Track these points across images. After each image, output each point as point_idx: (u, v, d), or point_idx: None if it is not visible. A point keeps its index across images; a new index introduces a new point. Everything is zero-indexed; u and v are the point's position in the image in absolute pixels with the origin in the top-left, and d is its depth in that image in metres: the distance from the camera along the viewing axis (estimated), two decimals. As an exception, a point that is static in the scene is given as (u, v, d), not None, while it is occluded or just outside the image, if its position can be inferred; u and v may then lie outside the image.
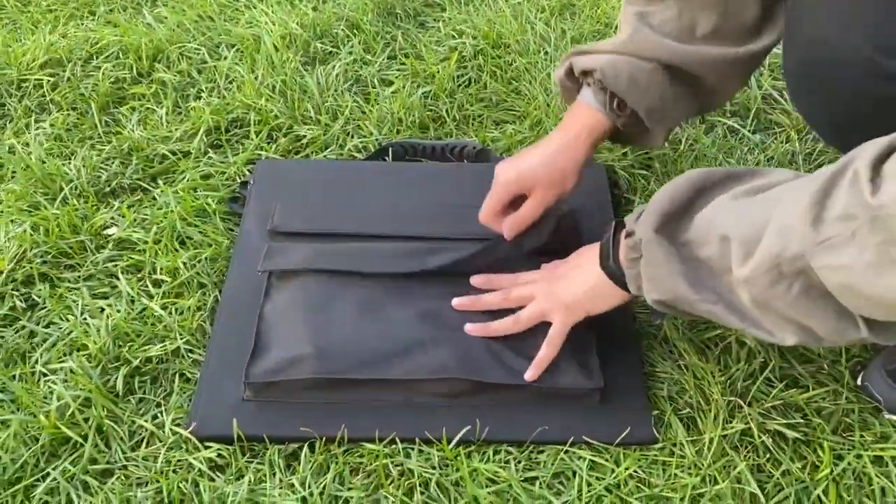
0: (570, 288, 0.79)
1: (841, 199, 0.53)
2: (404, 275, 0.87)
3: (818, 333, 0.60)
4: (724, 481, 0.73)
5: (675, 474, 0.75)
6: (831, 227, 0.53)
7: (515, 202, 0.88)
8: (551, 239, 0.89)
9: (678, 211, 0.67)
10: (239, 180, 1.06)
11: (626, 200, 1.02)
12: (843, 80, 0.68)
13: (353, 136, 1.13)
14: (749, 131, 1.12)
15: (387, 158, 1.08)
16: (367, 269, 0.87)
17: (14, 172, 1.08)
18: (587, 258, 0.79)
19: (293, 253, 0.90)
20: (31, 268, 0.94)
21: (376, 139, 1.12)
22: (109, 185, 1.06)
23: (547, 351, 0.79)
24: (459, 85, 1.22)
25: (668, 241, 0.66)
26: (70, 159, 1.10)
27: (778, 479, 0.74)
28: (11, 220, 1.00)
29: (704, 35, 0.82)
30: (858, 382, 0.82)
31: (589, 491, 0.73)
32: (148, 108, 1.19)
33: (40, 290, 0.92)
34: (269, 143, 1.12)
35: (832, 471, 0.74)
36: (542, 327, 0.81)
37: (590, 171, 1.03)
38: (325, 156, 1.10)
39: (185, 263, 0.93)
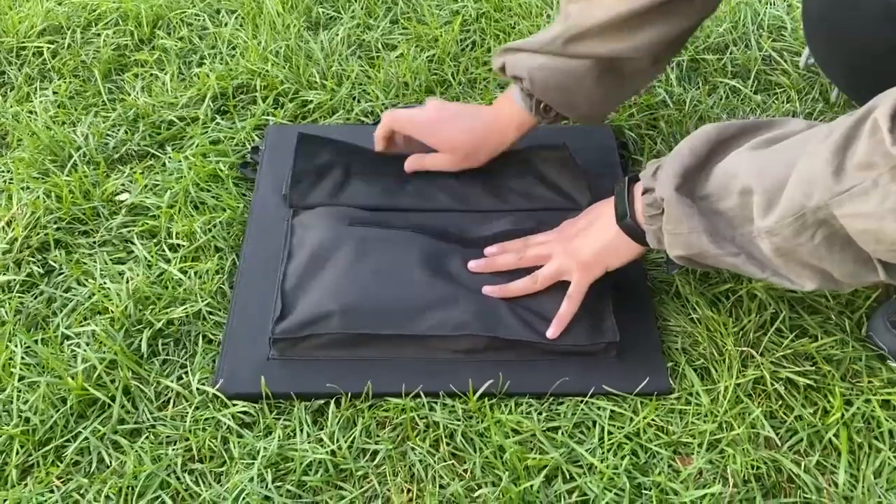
0: (587, 245, 0.81)
1: (862, 149, 0.55)
2: (426, 234, 0.88)
3: (837, 278, 0.62)
4: (739, 427, 0.76)
5: (692, 422, 0.77)
6: (853, 176, 0.55)
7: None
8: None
9: (697, 166, 0.69)
10: (248, 146, 1.06)
11: (634, 161, 1.04)
12: (859, 24, 0.69)
13: (359, 101, 1.13)
14: (751, 91, 1.14)
15: (395, 122, 1.08)
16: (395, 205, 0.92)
17: (20, 140, 1.08)
18: (600, 214, 0.81)
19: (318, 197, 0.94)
20: (46, 234, 0.94)
21: (383, 104, 1.12)
22: (118, 152, 1.06)
23: (568, 307, 0.80)
24: (463, 49, 1.23)
25: (688, 197, 0.68)
26: (76, 126, 1.09)
27: (791, 423, 0.77)
28: (24, 188, 0.99)
29: (643, 16, 0.80)
30: (863, 333, 0.84)
31: (610, 439, 0.75)
32: (152, 75, 1.18)
33: (56, 256, 0.93)
34: (276, 109, 1.12)
35: (843, 415, 0.76)
36: (558, 285, 0.83)
37: (597, 133, 1.05)
38: (332, 121, 1.10)
39: (200, 228, 0.94)
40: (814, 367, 0.81)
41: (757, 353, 0.81)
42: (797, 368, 0.80)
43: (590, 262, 0.80)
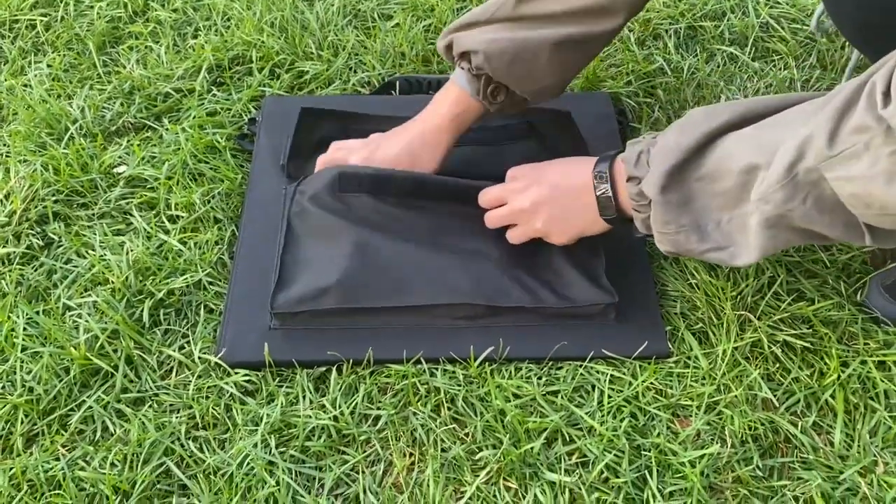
0: (570, 223, 0.79)
1: (858, 113, 0.55)
2: (422, 200, 0.88)
3: (829, 237, 0.62)
4: (737, 389, 0.77)
5: (691, 385, 0.78)
6: (846, 139, 0.55)
7: None
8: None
9: (685, 161, 0.66)
10: (245, 117, 1.06)
11: (633, 129, 1.04)
12: None
13: (356, 71, 1.13)
14: (748, 58, 1.14)
15: (393, 93, 1.08)
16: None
17: (16, 113, 1.07)
18: (581, 192, 0.77)
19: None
20: (45, 207, 0.94)
21: (380, 74, 1.12)
22: (115, 125, 1.06)
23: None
24: (459, 18, 1.22)
25: (676, 192, 0.66)
26: (72, 99, 1.09)
27: (788, 385, 0.78)
28: (21, 161, 0.99)
29: None
30: (858, 299, 0.85)
31: (609, 402, 0.76)
32: (146, 47, 1.17)
33: (55, 228, 0.93)
34: (272, 80, 1.11)
35: (839, 376, 0.77)
36: (556, 250, 0.83)
37: (595, 100, 1.05)
38: (329, 91, 1.10)
39: (199, 199, 0.94)
40: (811, 330, 0.82)
41: (755, 316, 0.82)
42: (794, 331, 0.81)
43: (571, 237, 0.80)
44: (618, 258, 0.85)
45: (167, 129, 1.04)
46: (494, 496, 0.71)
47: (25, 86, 1.11)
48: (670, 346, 0.81)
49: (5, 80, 1.13)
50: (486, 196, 0.84)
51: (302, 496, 0.71)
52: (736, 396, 0.76)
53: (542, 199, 0.79)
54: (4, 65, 1.16)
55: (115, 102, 1.08)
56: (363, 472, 0.73)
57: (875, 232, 0.60)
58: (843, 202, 0.58)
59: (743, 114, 0.65)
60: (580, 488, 0.71)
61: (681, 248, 0.68)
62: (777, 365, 0.80)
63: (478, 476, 0.72)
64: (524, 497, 0.70)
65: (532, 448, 0.73)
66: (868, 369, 0.78)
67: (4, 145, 1.03)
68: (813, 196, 0.59)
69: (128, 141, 1.03)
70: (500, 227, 0.85)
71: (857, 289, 0.86)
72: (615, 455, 0.72)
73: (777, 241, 0.63)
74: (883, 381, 0.77)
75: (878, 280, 0.84)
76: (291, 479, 0.72)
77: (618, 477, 0.71)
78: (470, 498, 0.71)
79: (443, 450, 0.74)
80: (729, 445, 0.74)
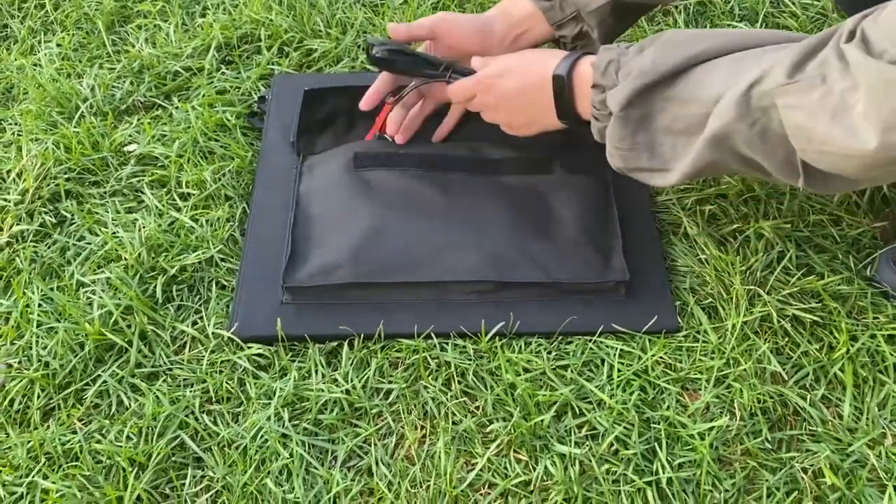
0: (530, 120, 0.81)
1: (824, 51, 0.56)
2: (436, 171, 0.89)
3: (764, 169, 0.63)
4: (746, 363, 0.77)
5: (700, 358, 0.78)
6: (806, 70, 0.56)
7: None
8: None
9: (656, 83, 0.66)
10: (254, 95, 1.06)
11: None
12: None
13: (364, 49, 1.12)
14: (758, 35, 1.13)
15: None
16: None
17: (26, 92, 1.08)
18: (541, 93, 0.77)
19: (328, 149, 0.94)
20: (57, 185, 0.95)
21: (388, 51, 1.11)
22: (125, 103, 1.06)
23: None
24: (468, -5, 1.22)
25: (639, 109, 0.67)
26: (81, 78, 1.09)
27: (797, 359, 0.78)
28: (32, 139, 1.00)
29: None
30: (868, 274, 0.85)
31: (618, 376, 0.77)
32: (155, 26, 1.17)
33: (68, 206, 0.94)
34: (280, 58, 1.11)
35: (848, 350, 0.78)
36: (570, 225, 0.84)
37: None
38: (338, 69, 1.10)
39: (210, 176, 0.94)
40: (820, 305, 0.82)
41: (764, 291, 0.82)
42: (804, 306, 0.81)
43: (531, 132, 0.83)
44: (627, 233, 0.86)
45: (177, 108, 1.04)
46: (505, 468, 0.72)
47: (35, 65, 1.11)
48: (680, 320, 0.81)
49: (15, 59, 1.13)
50: (458, 91, 0.85)
51: (315, 468, 0.72)
52: (745, 370, 0.77)
53: (505, 96, 0.80)
54: (14, 44, 1.17)
55: (124, 81, 1.09)
56: (375, 444, 0.74)
57: (810, 173, 0.61)
58: (787, 133, 0.59)
59: (725, 44, 0.65)
60: (590, 460, 0.71)
61: (630, 165, 0.71)
62: (786, 339, 0.80)
63: (488, 448, 0.72)
64: (534, 469, 0.71)
65: (542, 421, 0.73)
66: (877, 343, 0.79)
67: (16, 124, 1.04)
68: (761, 123, 0.60)
69: (138, 119, 1.04)
70: (513, 200, 0.85)
71: (867, 264, 0.86)
72: (625, 428, 0.73)
73: (714, 162, 0.65)
74: (892, 355, 0.78)
75: (889, 255, 0.84)
76: (305, 451, 0.73)
77: (627, 449, 0.72)
78: (481, 470, 0.71)
79: (454, 423, 0.75)
80: (738, 418, 0.74)
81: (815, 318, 0.80)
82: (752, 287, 0.83)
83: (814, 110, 0.55)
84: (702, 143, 0.63)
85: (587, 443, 0.73)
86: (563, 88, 0.75)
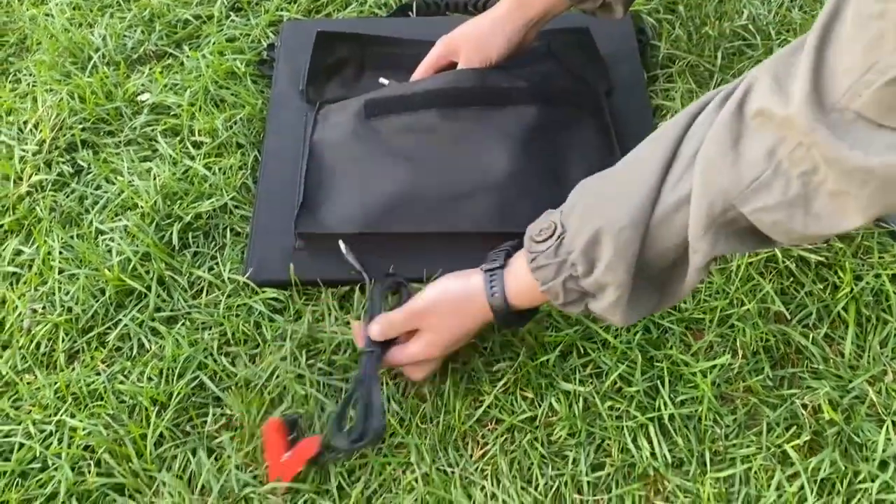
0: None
1: (754, 140, 0.50)
2: (447, 108, 0.89)
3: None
4: (750, 303, 0.78)
5: (704, 299, 0.80)
6: (752, 167, 0.50)
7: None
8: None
9: (634, 262, 0.59)
10: (264, 43, 1.06)
11: (653, 46, 1.03)
12: None
13: (373, -7, 1.12)
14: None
15: (410, 14, 1.08)
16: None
17: (39, 42, 1.09)
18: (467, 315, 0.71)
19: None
20: (73, 135, 0.97)
21: (397, -5, 1.11)
22: (136, 53, 1.07)
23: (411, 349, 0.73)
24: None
25: (636, 299, 0.60)
26: (93, 28, 1.10)
27: (801, 299, 0.79)
28: (47, 90, 1.01)
29: None
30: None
31: (624, 317, 0.78)
32: (164, -27, 1.17)
33: (84, 155, 0.95)
34: (289, 4, 1.11)
35: (852, 289, 0.78)
36: (581, 171, 0.84)
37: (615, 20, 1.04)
38: (346, 14, 1.10)
39: (222, 125, 0.95)
40: (826, 245, 0.82)
41: (770, 232, 0.83)
42: (809, 246, 0.82)
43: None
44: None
45: (188, 56, 1.05)
46: (511, 404, 0.74)
47: (47, 15, 1.12)
48: (685, 262, 0.82)
49: (27, 9, 1.14)
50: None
51: (329, 407, 0.75)
52: (749, 310, 0.78)
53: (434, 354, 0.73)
54: (25, -6, 1.17)
55: (135, 30, 1.09)
56: (387, 383, 0.76)
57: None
58: (765, 232, 0.53)
59: (649, 181, 0.56)
60: (594, 397, 0.74)
61: (640, 315, 0.63)
62: (791, 279, 0.81)
63: (495, 386, 0.75)
64: (539, 405, 0.74)
65: (548, 360, 0.75)
66: (882, 282, 0.79)
67: (30, 75, 1.05)
68: (732, 231, 0.55)
69: (150, 68, 1.05)
70: (522, 144, 0.86)
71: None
72: (628, 366, 0.75)
73: (705, 274, 0.59)
74: (896, 294, 0.79)
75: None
76: (319, 390, 0.75)
77: (630, 386, 0.74)
78: (488, 406, 0.74)
79: (463, 362, 0.77)
80: (740, 356, 0.76)
81: (821, 259, 0.81)
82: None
83: (783, 207, 0.50)
84: (693, 272, 0.58)
85: (591, 381, 0.75)
86: (510, 319, 0.69)
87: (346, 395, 0.73)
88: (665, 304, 0.63)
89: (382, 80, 0.95)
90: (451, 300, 0.71)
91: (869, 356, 0.76)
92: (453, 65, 0.91)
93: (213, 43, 1.06)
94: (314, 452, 0.69)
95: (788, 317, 0.78)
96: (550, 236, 0.62)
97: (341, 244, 0.82)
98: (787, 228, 0.51)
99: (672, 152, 0.56)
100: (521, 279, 0.66)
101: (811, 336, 0.77)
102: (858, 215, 0.47)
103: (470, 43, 0.89)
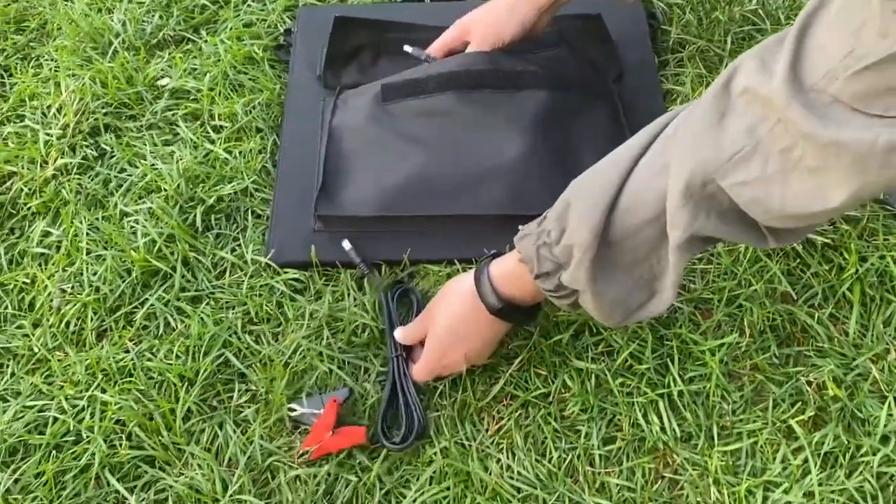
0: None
1: (738, 116, 0.52)
2: (462, 91, 0.90)
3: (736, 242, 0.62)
4: (757, 283, 0.81)
5: (713, 280, 0.82)
6: (734, 142, 0.52)
7: None
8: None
9: (602, 235, 0.61)
10: (280, 28, 1.08)
11: (663, 31, 1.04)
12: None
13: (387, -22, 1.14)
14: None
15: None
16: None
17: (60, 28, 1.11)
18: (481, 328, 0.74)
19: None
20: (96, 119, 0.99)
21: (411, -20, 1.13)
22: (155, 38, 1.09)
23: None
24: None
25: (602, 273, 0.62)
26: (112, 13, 1.12)
27: (807, 280, 0.82)
28: (69, 75, 1.03)
29: None
30: (882, 197, 0.87)
31: (635, 297, 0.81)
32: (180, -41, 1.19)
33: (107, 139, 0.98)
34: (305, -11, 1.13)
35: (857, 270, 0.81)
36: (588, 153, 0.87)
37: (626, 4, 1.05)
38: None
39: (241, 109, 0.98)
40: (832, 227, 0.85)
41: (777, 215, 0.85)
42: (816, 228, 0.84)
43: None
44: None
45: (206, 41, 1.07)
46: (526, 381, 0.77)
47: (66, 0, 1.14)
48: (695, 243, 0.84)
49: (46, -5, 1.16)
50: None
51: (350, 383, 0.78)
52: (756, 290, 0.80)
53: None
54: (44, -21, 1.19)
55: (153, 15, 1.11)
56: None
57: (777, 233, 0.57)
58: (744, 208, 0.54)
59: (627, 157, 0.60)
60: (605, 374, 0.76)
61: (621, 319, 0.65)
62: (797, 261, 0.83)
63: (511, 364, 0.77)
64: (553, 382, 0.76)
65: (561, 339, 0.78)
66: (886, 263, 0.81)
67: (52, 60, 1.07)
68: (714, 210, 0.56)
69: (169, 53, 1.07)
70: (534, 127, 0.88)
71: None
72: (639, 344, 0.77)
73: (687, 260, 0.60)
74: (900, 275, 0.81)
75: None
76: (340, 367, 0.78)
77: (641, 364, 0.77)
78: (504, 384, 0.77)
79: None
80: (748, 335, 0.78)
81: (827, 241, 0.83)
82: (765, 211, 0.85)
83: (761, 182, 0.51)
84: (672, 254, 0.59)
85: (603, 359, 0.78)
86: (505, 311, 0.72)
87: (384, 397, 0.76)
88: (656, 305, 0.64)
89: (407, 48, 0.97)
90: (448, 296, 0.76)
91: (872, 335, 0.78)
92: (467, 47, 0.93)
93: (231, 28, 1.08)
94: (357, 443, 0.73)
95: (795, 297, 0.81)
96: (539, 218, 0.67)
97: (344, 243, 0.84)
98: (766, 206, 0.52)
99: (653, 137, 0.59)
100: (506, 261, 0.71)
101: (816, 315, 0.79)
102: (837, 194, 0.49)
103: (484, 25, 0.92)
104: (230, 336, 0.81)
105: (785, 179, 0.50)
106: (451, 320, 0.75)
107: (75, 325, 0.84)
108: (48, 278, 0.86)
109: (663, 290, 0.63)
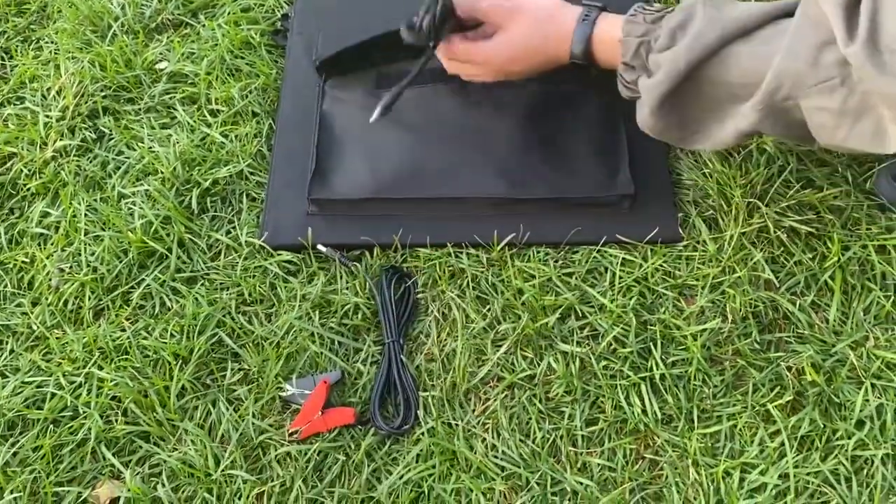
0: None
1: (836, 47, 0.56)
2: (451, 84, 0.91)
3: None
4: (741, 270, 0.82)
5: (698, 267, 0.84)
6: (825, 71, 0.57)
7: None
8: None
9: (689, 75, 0.67)
10: (278, 13, 1.09)
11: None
12: None
13: (384, -35, 1.14)
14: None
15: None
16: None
17: (60, 11, 1.12)
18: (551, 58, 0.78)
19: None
20: (95, 102, 1.01)
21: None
22: (154, 22, 1.10)
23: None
24: None
25: (671, 99, 0.68)
26: (111, -4, 1.13)
27: (790, 268, 0.83)
28: (69, 58, 1.05)
29: None
30: (867, 187, 0.89)
31: (620, 282, 0.83)
32: (179, -57, 1.20)
33: (106, 122, 0.99)
34: (302, -25, 1.14)
35: (839, 259, 0.82)
36: (579, 139, 0.88)
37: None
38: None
39: (237, 94, 0.99)
40: (816, 216, 0.86)
41: (763, 203, 0.86)
42: (800, 217, 0.85)
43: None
44: (635, 146, 0.89)
45: (204, 26, 1.08)
46: (512, 364, 0.79)
47: (66, -17, 1.15)
48: (681, 231, 0.86)
49: (47, -23, 1.17)
50: (454, 65, 0.83)
51: (341, 364, 0.79)
52: (740, 277, 0.82)
53: (509, 76, 0.82)
54: (45, -38, 1.20)
55: (152, -1, 1.12)
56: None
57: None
58: (811, 128, 0.61)
59: (744, 25, 0.65)
60: (590, 357, 0.78)
61: (661, 135, 0.75)
62: (781, 249, 0.84)
63: (499, 347, 0.79)
64: (539, 364, 0.78)
65: (547, 323, 0.80)
66: (868, 252, 0.83)
67: (52, 42, 1.09)
68: (784, 119, 0.62)
69: (167, 37, 1.08)
70: (527, 115, 0.89)
71: (867, 178, 0.89)
72: (623, 329, 0.79)
73: (740, 140, 0.68)
74: (881, 264, 0.82)
75: (888, 170, 0.87)
76: (331, 349, 0.80)
77: (624, 348, 0.78)
78: (492, 365, 0.79)
79: (469, 325, 0.81)
80: (730, 321, 0.80)
81: (811, 230, 0.85)
82: (751, 200, 0.87)
83: (836, 114, 0.57)
84: (732, 133, 0.66)
85: (588, 342, 0.79)
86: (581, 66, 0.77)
87: (379, 381, 0.78)
88: (687, 142, 0.73)
89: (404, 35, 0.96)
90: (544, 21, 0.77)
91: (853, 322, 0.80)
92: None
93: (228, 13, 1.09)
94: (345, 423, 0.75)
95: (777, 284, 0.82)
96: (655, 11, 0.70)
97: (320, 246, 0.86)
98: (832, 134, 0.59)
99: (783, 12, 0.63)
100: (611, 28, 0.73)
101: (798, 303, 0.81)
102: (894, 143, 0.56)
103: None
104: (224, 316, 0.83)
105: (858, 118, 0.56)
106: (534, 41, 0.77)
107: (73, 303, 0.86)
108: (47, 258, 0.88)
109: (698, 138, 0.72)
